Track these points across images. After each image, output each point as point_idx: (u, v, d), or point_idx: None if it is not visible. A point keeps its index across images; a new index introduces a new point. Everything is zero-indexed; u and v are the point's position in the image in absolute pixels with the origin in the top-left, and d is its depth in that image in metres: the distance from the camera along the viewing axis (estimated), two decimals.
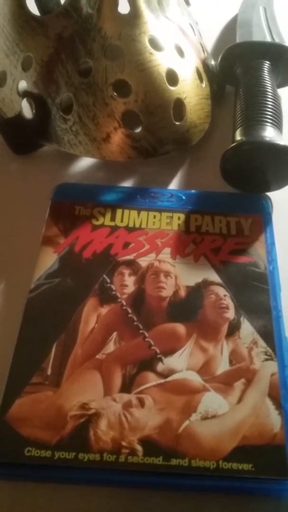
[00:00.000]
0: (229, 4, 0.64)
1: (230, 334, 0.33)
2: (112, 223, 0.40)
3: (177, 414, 0.29)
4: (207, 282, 0.36)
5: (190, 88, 0.44)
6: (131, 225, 0.39)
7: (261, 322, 0.34)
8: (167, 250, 0.38)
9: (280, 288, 0.36)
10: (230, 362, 0.32)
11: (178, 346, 0.33)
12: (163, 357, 0.32)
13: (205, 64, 0.49)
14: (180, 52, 0.44)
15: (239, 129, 0.42)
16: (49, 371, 0.31)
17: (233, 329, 0.34)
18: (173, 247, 0.38)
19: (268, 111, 0.42)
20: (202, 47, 0.50)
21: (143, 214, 0.40)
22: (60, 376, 0.31)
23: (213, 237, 0.39)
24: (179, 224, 0.40)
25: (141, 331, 0.33)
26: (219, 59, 0.50)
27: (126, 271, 0.37)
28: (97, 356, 0.32)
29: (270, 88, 0.44)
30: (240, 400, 0.30)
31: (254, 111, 0.42)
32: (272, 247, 0.38)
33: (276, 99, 0.44)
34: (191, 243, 0.38)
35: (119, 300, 0.35)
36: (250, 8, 0.58)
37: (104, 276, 0.36)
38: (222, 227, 0.39)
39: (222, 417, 0.29)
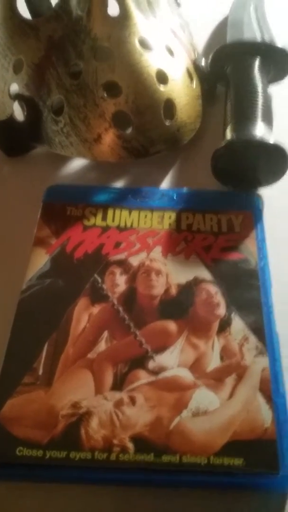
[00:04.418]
0: (220, 4, 0.64)
1: (221, 330, 0.33)
2: (104, 223, 0.40)
3: (168, 411, 0.29)
4: (198, 280, 0.36)
5: (180, 88, 0.44)
6: (122, 224, 0.40)
7: (252, 318, 0.34)
8: (158, 248, 0.38)
9: (271, 284, 0.36)
10: (221, 358, 0.32)
11: (169, 344, 0.33)
12: (154, 355, 0.32)
13: (195, 64, 0.49)
14: (170, 53, 0.44)
15: (229, 127, 0.42)
16: (40, 371, 0.31)
17: (224, 325, 0.34)
18: (164, 245, 0.38)
19: (258, 109, 0.42)
20: (192, 47, 0.50)
21: (134, 213, 0.40)
22: (51, 376, 0.31)
23: (204, 235, 0.39)
24: (170, 223, 0.40)
25: (132, 330, 0.33)
26: (210, 58, 0.50)
27: (118, 271, 0.37)
28: (89, 355, 0.32)
29: (260, 86, 0.44)
30: (231, 395, 0.30)
31: (244, 109, 0.43)
32: (263, 243, 0.38)
33: (266, 97, 0.44)
34: (182, 241, 0.38)
35: (110, 299, 0.35)
36: (241, 7, 0.58)
37: (96, 275, 0.36)
38: (213, 225, 0.39)
39: (213, 413, 0.29)
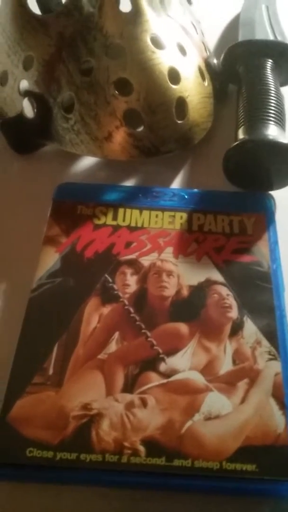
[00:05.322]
0: (231, 2, 0.64)
1: (233, 333, 0.33)
2: (114, 223, 0.39)
3: (180, 415, 0.29)
4: (210, 282, 0.36)
5: (192, 87, 0.44)
6: (133, 224, 0.39)
7: (264, 322, 0.34)
8: (170, 249, 0.38)
9: (283, 288, 0.35)
10: (234, 362, 0.32)
11: (180, 346, 0.32)
12: (165, 357, 0.32)
13: (207, 62, 0.48)
14: (182, 51, 0.44)
15: (242, 127, 0.42)
16: (50, 371, 0.31)
17: (236, 328, 0.33)
18: (175, 246, 0.38)
19: (271, 109, 0.42)
20: (204, 46, 0.50)
21: (145, 213, 0.40)
22: (61, 376, 0.31)
23: (216, 236, 0.38)
24: (181, 223, 0.39)
25: (143, 331, 0.33)
26: (222, 57, 0.50)
27: (128, 271, 0.36)
28: (99, 356, 0.32)
29: (272, 86, 0.44)
30: (243, 400, 0.30)
31: (257, 109, 0.42)
32: (275, 246, 0.38)
33: (279, 97, 0.43)
34: (194, 242, 0.38)
35: (121, 299, 0.35)
36: (253, 6, 0.58)
37: (106, 275, 0.36)
38: (225, 226, 0.39)
39: (225, 417, 0.29)
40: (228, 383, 0.31)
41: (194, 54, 0.45)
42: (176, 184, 0.45)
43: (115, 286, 0.35)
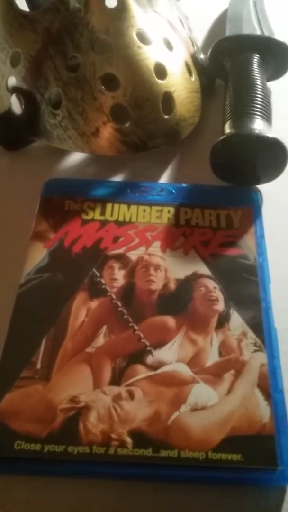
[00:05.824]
0: None
1: (220, 326, 0.33)
2: (102, 218, 0.39)
3: (167, 406, 0.29)
4: (197, 275, 0.36)
5: (179, 82, 0.44)
6: (121, 219, 0.39)
7: (250, 314, 0.34)
8: (157, 243, 0.38)
9: (269, 280, 0.36)
10: (220, 354, 0.32)
11: (167, 339, 0.33)
12: (153, 350, 0.32)
13: (194, 58, 0.48)
14: (169, 46, 0.44)
15: (228, 122, 0.42)
16: (38, 365, 0.31)
17: (223, 321, 0.34)
18: (163, 240, 0.38)
19: (257, 104, 0.42)
20: (191, 41, 0.50)
21: (133, 208, 0.40)
22: (49, 370, 0.31)
23: (203, 230, 0.39)
24: (169, 218, 0.40)
25: (130, 324, 0.33)
26: (209, 52, 0.50)
27: (116, 265, 0.37)
28: (87, 350, 0.32)
29: (259, 81, 0.44)
30: (229, 391, 0.30)
31: (243, 104, 0.42)
32: (261, 239, 0.38)
33: (266, 92, 0.44)
34: (181, 236, 0.38)
35: (108, 293, 0.35)
36: (240, 2, 0.58)
37: (94, 270, 0.36)
38: (212, 220, 0.39)
39: (211, 408, 0.29)
40: (214, 374, 0.31)
41: (181, 49, 0.46)
42: (163, 179, 0.45)
43: (102, 281, 0.36)
